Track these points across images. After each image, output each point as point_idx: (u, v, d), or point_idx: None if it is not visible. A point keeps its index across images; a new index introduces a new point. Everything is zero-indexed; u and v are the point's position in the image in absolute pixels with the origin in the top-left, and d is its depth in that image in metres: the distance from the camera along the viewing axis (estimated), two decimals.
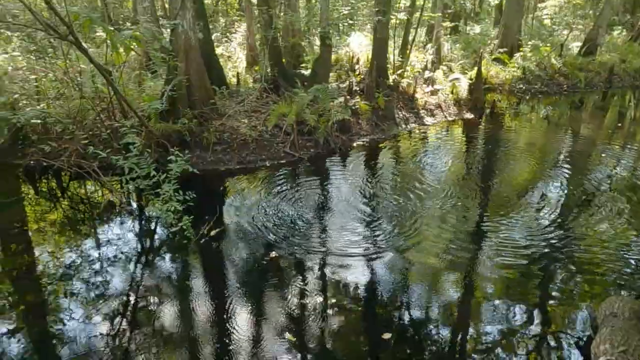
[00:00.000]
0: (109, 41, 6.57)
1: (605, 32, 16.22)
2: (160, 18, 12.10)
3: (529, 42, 14.41)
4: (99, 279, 4.45)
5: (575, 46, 15.66)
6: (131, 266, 4.70)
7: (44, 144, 6.82)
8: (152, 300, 4.15)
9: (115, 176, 6.43)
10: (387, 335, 3.67)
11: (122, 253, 4.92)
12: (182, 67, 7.29)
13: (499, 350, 3.56)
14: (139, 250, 5.09)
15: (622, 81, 14.31)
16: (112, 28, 6.19)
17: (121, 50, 6.27)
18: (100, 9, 12.47)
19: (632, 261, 4.74)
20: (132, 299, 4.18)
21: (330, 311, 3.99)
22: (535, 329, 3.78)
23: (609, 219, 5.67)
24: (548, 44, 14.64)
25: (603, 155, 8.36)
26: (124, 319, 3.89)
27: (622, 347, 2.68)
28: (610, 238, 5.18)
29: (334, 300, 4.13)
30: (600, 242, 5.10)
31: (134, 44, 6.25)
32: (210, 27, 10.12)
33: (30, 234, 5.47)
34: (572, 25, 15.96)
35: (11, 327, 3.78)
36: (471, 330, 3.80)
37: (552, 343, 3.63)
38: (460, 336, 3.77)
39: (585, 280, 4.44)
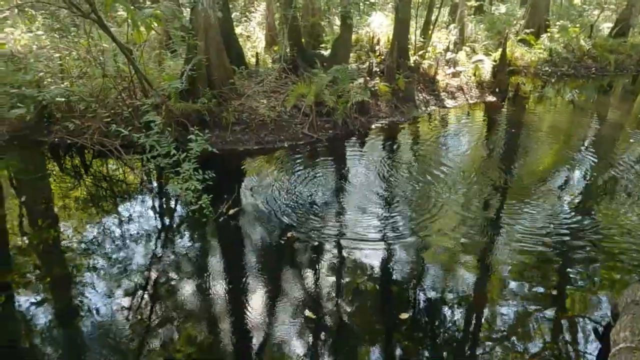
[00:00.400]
0: (130, 20, 6.60)
1: (639, 12, 15.48)
2: None
3: (557, 23, 13.89)
4: (121, 254, 4.58)
5: (606, 27, 15.02)
6: (152, 243, 4.81)
7: (68, 122, 6.96)
8: (172, 276, 4.26)
9: (136, 154, 6.54)
10: (404, 315, 3.70)
11: (143, 230, 5.03)
12: (201, 46, 7.29)
13: (515, 334, 3.55)
14: (160, 227, 5.20)
15: None
16: (133, 7, 6.20)
17: (142, 28, 6.28)
18: None
19: None
20: (153, 274, 4.29)
21: (346, 290, 4.03)
22: (552, 314, 3.75)
23: (634, 206, 5.52)
24: (577, 25, 14.08)
25: (631, 140, 8.09)
26: (145, 294, 4.01)
27: None
28: (634, 226, 5.05)
29: (350, 280, 4.17)
30: (623, 229, 4.98)
31: (155, 22, 6.25)
32: (230, 6, 10.04)
33: (55, 209, 5.64)
34: (604, 5, 15.28)
35: (38, 298, 3.93)
36: (487, 314, 3.79)
37: (570, 329, 3.60)
38: (476, 319, 3.77)
39: (606, 268, 4.35)
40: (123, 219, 5.33)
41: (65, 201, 5.81)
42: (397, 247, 4.70)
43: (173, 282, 4.17)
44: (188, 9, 7.70)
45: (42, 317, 3.72)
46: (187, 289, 4.08)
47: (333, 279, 4.19)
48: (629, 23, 14.44)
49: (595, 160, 7.07)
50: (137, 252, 4.62)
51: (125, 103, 7.19)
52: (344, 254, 4.57)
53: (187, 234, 5.06)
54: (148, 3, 10.97)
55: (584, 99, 11.28)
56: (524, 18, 14.27)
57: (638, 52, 13.54)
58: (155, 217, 5.45)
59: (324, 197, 5.80)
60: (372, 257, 4.52)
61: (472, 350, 3.47)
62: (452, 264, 4.44)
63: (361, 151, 7.48)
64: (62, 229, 5.10)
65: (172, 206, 5.74)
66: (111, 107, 7.27)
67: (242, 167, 6.75)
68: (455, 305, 3.87)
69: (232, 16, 10.54)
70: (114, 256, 4.53)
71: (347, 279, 4.18)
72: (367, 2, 13.56)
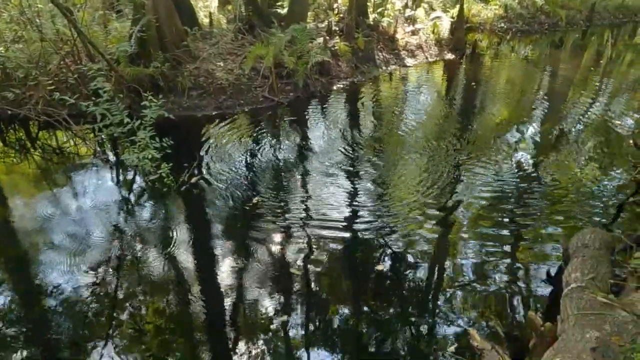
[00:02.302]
0: None
1: None
2: None
3: None
4: (80, 229, 4.38)
5: None
6: (112, 216, 4.62)
7: (6, 91, 6.43)
8: (135, 249, 4.14)
9: (87, 124, 6.17)
10: (380, 267, 3.82)
11: (101, 203, 4.82)
12: (149, 5, 6.82)
13: (474, 281, 3.74)
14: (119, 199, 5.00)
15: (602, 19, 14.22)
16: None
17: None
18: None
19: (603, 197, 4.95)
20: (115, 248, 4.15)
21: (314, 251, 4.08)
22: (509, 261, 3.97)
23: (582, 157, 5.84)
24: None
25: (580, 93, 8.45)
26: (109, 268, 3.89)
27: (591, 274, 2.84)
28: (582, 175, 5.36)
29: (317, 240, 4.21)
30: (574, 179, 5.28)
31: None
32: None
33: (1, 186, 5.28)
34: None
35: None
36: (448, 264, 3.96)
37: (525, 274, 3.83)
38: (437, 270, 3.93)
39: (557, 215, 4.62)
40: (78, 192, 5.08)
41: (13, 177, 5.45)
42: (358, 205, 4.77)
43: (137, 255, 4.06)
44: None
45: (1, 298, 3.55)
46: (152, 261, 3.98)
47: (301, 240, 4.22)
48: None
49: (548, 114, 7.37)
50: (96, 226, 4.43)
51: (69, 69, 6.70)
52: (310, 216, 4.59)
53: (148, 204, 4.90)
54: None
55: (537, 54, 11.59)
56: None
57: (587, 7, 13.93)
58: (113, 189, 5.22)
59: (287, 161, 5.74)
60: (335, 216, 4.56)
61: (435, 297, 3.64)
62: (414, 218, 4.56)
63: (323, 113, 7.41)
64: (12, 207, 4.81)
65: (130, 177, 5.51)
66: (54, 74, 6.76)
67: (202, 134, 6.54)
68: (417, 257, 4.02)
69: None
70: (72, 232, 4.34)
71: (314, 240, 4.22)
72: None
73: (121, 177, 5.52)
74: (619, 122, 7.05)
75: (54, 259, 3.95)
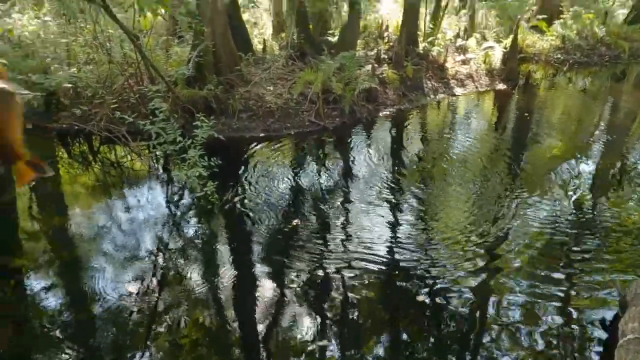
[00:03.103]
0: (136, 6, 6.56)
1: None
2: None
3: (571, 9, 13.57)
4: (129, 240, 4.61)
5: (621, 14, 14.66)
6: (158, 229, 4.83)
7: (75, 108, 6.98)
8: (179, 263, 4.28)
9: (143, 141, 6.54)
10: (421, 291, 3.73)
11: (149, 216, 5.06)
12: (208, 33, 7.24)
13: (521, 322, 3.53)
14: (166, 214, 5.22)
15: None
16: None
17: (148, 14, 6.25)
18: None
19: None
20: (160, 260, 4.31)
21: (353, 278, 4.02)
22: (559, 304, 3.72)
23: None
24: (591, 11, 13.74)
25: None
26: (153, 279, 4.04)
27: None
28: None
29: (356, 266, 4.15)
30: (631, 221, 4.91)
31: (161, 8, 6.21)
32: None
33: (64, 195, 5.68)
34: None
35: (47, 283, 3.98)
36: (496, 303, 3.76)
37: (578, 320, 3.57)
38: (487, 310, 3.74)
39: (615, 259, 4.30)
40: (130, 205, 5.36)
41: (74, 187, 5.85)
42: (402, 237, 4.68)
43: (179, 269, 4.20)
44: None
45: (53, 301, 3.77)
46: (193, 275, 4.10)
47: (340, 266, 4.18)
48: None
49: (606, 150, 6.96)
50: (144, 238, 4.65)
51: (132, 89, 7.19)
52: (349, 242, 4.56)
53: (192, 220, 5.07)
54: None
55: (597, 86, 11.08)
56: (536, 4, 13.97)
57: None
58: (162, 204, 5.47)
59: (329, 186, 5.77)
60: (377, 245, 4.49)
61: (478, 335, 3.46)
62: (459, 252, 4.40)
63: (368, 139, 7.43)
64: (71, 215, 5.15)
65: (179, 193, 5.75)
66: (118, 94, 7.27)
67: (248, 155, 6.73)
68: (468, 297, 3.85)
69: (240, 2, 10.44)
70: (122, 242, 4.57)
71: (353, 267, 4.17)
72: None
73: (170, 193, 5.77)
74: None
75: (103, 267, 4.15)
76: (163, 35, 9.53)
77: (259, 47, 9.94)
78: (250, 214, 5.08)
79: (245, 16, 11.40)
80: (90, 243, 4.57)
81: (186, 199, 5.58)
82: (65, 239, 4.73)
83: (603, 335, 3.37)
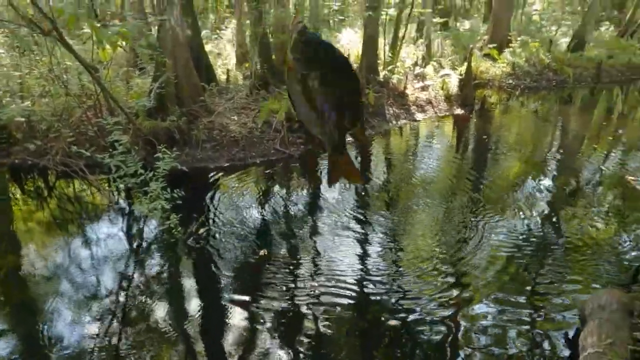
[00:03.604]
0: (94, 38, 6.47)
1: (593, 28, 16.36)
2: (149, 15, 11.94)
3: (518, 38, 14.47)
4: (88, 278, 4.39)
5: (563, 42, 15.76)
6: (120, 266, 4.63)
7: (29, 143, 6.70)
8: (142, 300, 4.10)
9: (103, 174, 6.34)
10: (392, 321, 3.69)
11: (110, 252, 4.85)
12: (169, 64, 7.21)
13: (488, 343, 3.57)
14: (127, 249, 5.02)
15: (610, 76, 14.42)
16: (98, 24, 6.09)
17: (107, 47, 6.17)
18: (87, 5, 12.29)
19: (620, 255, 4.78)
20: (122, 298, 4.12)
21: (322, 309, 3.97)
22: (523, 322, 3.80)
23: (597, 214, 5.71)
24: (537, 40, 14.71)
25: (593, 149, 8.43)
26: (115, 319, 3.84)
27: (609, 339, 2.69)
28: (598, 233, 5.22)
29: (325, 299, 4.10)
30: (589, 237, 5.13)
31: (120, 40, 6.16)
32: (200, 24, 10.02)
33: (18, 233, 5.38)
34: (561, 21, 16.04)
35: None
36: (462, 325, 3.79)
37: (541, 336, 3.65)
38: (452, 332, 3.76)
39: (574, 275, 4.46)
40: (89, 241, 5.13)
41: (28, 224, 5.56)
42: (371, 263, 4.69)
43: (142, 307, 4.01)
44: (156, 27, 7.64)
45: (4, 346, 3.50)
46: (157, 313, 3.93)
47: (308, 295, 4.12)
48: (584, 38, 15.21)
49: (561, 169, 7.32)
50: (104, 276, 4.44)
51: (90, 122, 7.00)
52: (318, 270, 4.52)
53: (155, 255, 4.90)
54: (115, 21, 10.82)
55: (546, 110, 11.73)
56: (487, 34, 14.81)
57: (594, 65, 14.22)
58: (123, 239, 5.27)
59: (296, 213, 5.75)
60: (346, 271, 4.48)
61: (437, 352, 3.47)
62: (427, 275, 4.44)
63: None
64: (25, 254, 4.86)
65: (140, 227, 5.56)
66: (75, 126, 7.06)
67: (213, 185, 6.64)
68: (430, 318, 3.87)
69: (203, 34, 10.50)
70: (80, 281, 4.34)
71: (322, 301, 4.12)
72: (337, 19, 13.80)
73: (131, 227, 5.58)
74: (635, 178, 6.94)
75: (60, 309, 3.92)
76: (124, 67, 9.41)
77: (223, 77, 9.97)
78: (216, 246, 4.97)
79: (208, 47, 11.46)
80: (46, 284, 4.32)
81: (148, 234, 5.40)
82: (18, 280, 4.45)
83: (567, 352, 3.45)
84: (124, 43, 6.89)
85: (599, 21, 18.07)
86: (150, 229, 5.41)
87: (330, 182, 1.92)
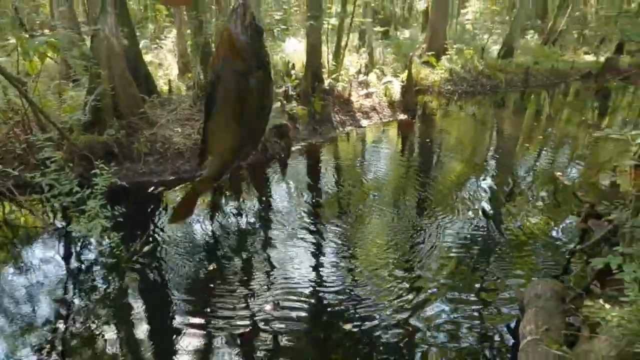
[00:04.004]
0: (20, 48, 6.06)
1: (520, 36, 17.58)
2: (82, 24, 11.37)
3: (454, 46, 15.24)
4: (23, 308, 4.05)
5: (495, 49, 16.80)
6: (57, 292, 4.31)
7: None
8: (84, 327, 3.84)
9: (35, 194, 5.89)
10: (348, 326, 3.77)
11: (46, 278, 4.51)
12: (105, 75, 6.88)
13: (443, 341, 3.68)
14: (65, 273, 4.68)
15: (537, 81, 15.55)
16: (25, 34, 5.72)
17: (35, 58, 5.80)
18: (11, 14, 11.48)
19: (554, 247, 5.13)
20: (61, 326, 3.84)
21: (277, 323, 3.91)
22: (474, 318, 3.96)
23: (533, 210, 6.10)
24: (471, 48, 15.57)
25: (526, 148, 9.02)
26: (54, 350, 3.56)
27: (545, 326, 2.87)
28: (534, 228, 5.56)
29: (278, 306, 4.06)
30: (527, 232, 5.46)
31: (49, 51, 5.81)
32: (138, 34, 9.67)
33: None
34: (492, 30, 17.09)
35: None
36: (417, 326, 3.88)
37: (489, 329, 3.82)
38: (408, 333, 3.84)
39: (516, 269, 4.73)
40: (22, 267, 4.74)
41: None
42: (325, 269, 4.71)
43: (85, 334, 3.76)
44: (89, 37, 7.27)
45: None
46: (101, 339, 3.69)
47: (261, 306, 4.05)
48: (512, 46, 16.32)
49: (499, 168, 7.76)
50: (41, 304, 4.11)
51: (18, 139, 6.51)
52: (271, 281, 4.47)
53: (96, 277, 4.62)
54: (46, 31, 10.19)
55: (483, 113, 12.41)
56: (425, 42, 15.48)
57: (522, 71, 15.27)
58: (60, 263, 4.91)
59: (247, 224, 5.66)
60: (299, 279, 4.46)
61: (395, 352, 3.54)
62: (383, 282, 4.51)
63: (283, 175, 7.47)
64: None
65: (79, 249, 5.23)
66: (2, 144, 6.54)
67: (157, 200, 6.39)
68: (380, 314, 3.93)
69: (142, 44, 10.13)
70: (14, 311, 4.00)
71: (275, 305, 4.07)
72: (279, 28, 13.86)
73: (69, 249, 5.22)
74: (563, 174, 7.50)
75: None
76: (55, 79, 8.86)
77: (165, 88, 9.66)
78: (162, 263, 4.77)
79: (148, 57, 11.07)
80: None
81: (88, 255, 5.08)
82: None
83: (512, 341, 3.63)
84: (54, 54, 6.52)
85: (525, 30, 19.46)
86: (90, 249, 5.10)
87: (178, 218, 1.66)
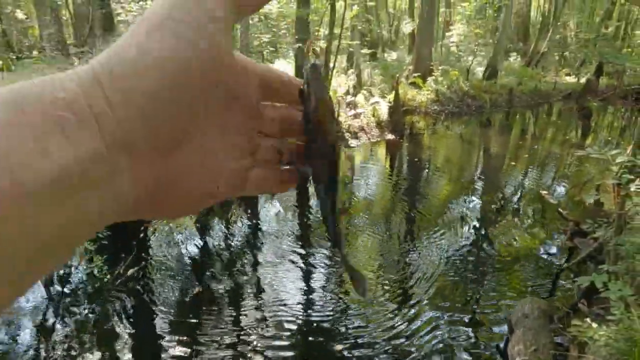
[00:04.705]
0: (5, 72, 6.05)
1: (503, 58, 18.07)
2: (70, 46, 11.42)
3: (440, 67, 15.59)
4: (2, 334, 3.91)
5: (479, 70, 17.22)
6: (37, 319, 4.19)
7: None
8: (66, 354, 3.72)
9: None
10: (339, 347, 3.68)
11: (25, 304, 4.38)
12: None
13: (425, 357, 3.64)
14: (45, 299, 4.56)
15: (521, 101, 15.93)
16: (13, 56, 5.71)
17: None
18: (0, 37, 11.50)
19: (539, 265, 5.16)
20: (43, 353, 3.71)
21: (266, 343, 3.84)
22: (465, 337, 3.92)
23: (520, 228, 6.15)
24: (456, 69, 15.94)
25: (512, 168, 9.14)
26: None
27: (533, 346, 2.85)
28: (522, 246, 5.60)
29: (266, 328, 3.99)
30: (514, 251, 5.49)
31: (34, 75, 5.79)
32: None
33: None
34: (476, 52, 17.55)
35: None
36: (407, 346, 3.83)
37: (480, 347, 3.78)
38: (398, 353, 3.79)
39: (504, 288, 4.72)
40: None
41: None
42: (314, 290, 4.65)
43: None
44: (78, 60, 7.29)
45: None
46: None
47: (250, 329, 3.98)
48: (496, 67, 16.74)
49: (486, 187, 7.84)
50: (21, 331, 3.98)
51: None
52: (260, 303, 4.40)
53: (79, 303, 4.49)
54: (35, 52, 10.19)
55: (470, 133, 12.62)
56: (412, 64, 15.81)
57: (507, 91, 15.64)
58: (39, 288, 4.77)
59: (236, 245, 5.60)
60: (290, 303, 4.39)
61: None
62: (372, 302, 4.48)
63: (271, 195, 7.45)
64: None
65: (59, 273, 5.10)
66: None
67: (141, 221, 6.30)
68: (370, 335, 3.88)
69: None
70: None
71: (264, 328, 4.00)
72: (268, 50, 14.05)
73: (50, 275, 5.09)
74: (549, 192, 7.60)
75: None
76: None
77: None
78: (148, 286, 4.67)
79: None
80: None
81: (69, 279, 4.96)
82: None
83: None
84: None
85: (508, 52, 20.01)
86: (72, 274, 4.98)
87: None
